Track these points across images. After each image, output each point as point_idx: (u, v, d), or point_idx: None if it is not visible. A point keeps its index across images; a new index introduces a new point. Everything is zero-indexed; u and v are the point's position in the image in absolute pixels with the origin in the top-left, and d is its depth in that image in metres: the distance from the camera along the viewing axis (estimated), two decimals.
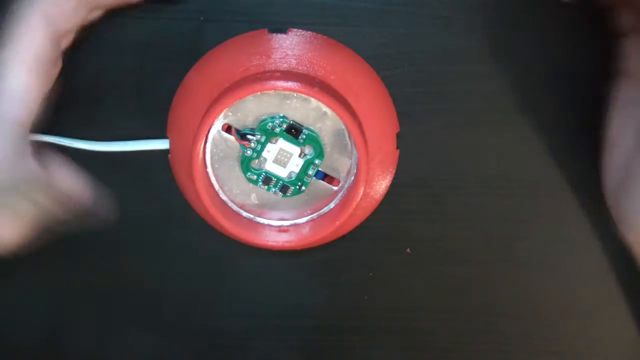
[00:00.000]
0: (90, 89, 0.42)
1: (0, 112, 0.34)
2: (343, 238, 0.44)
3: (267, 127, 0.40)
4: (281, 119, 0.40)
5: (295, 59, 0.40)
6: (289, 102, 0.39)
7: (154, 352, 0.48)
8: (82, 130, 0.42)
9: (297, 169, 0.41)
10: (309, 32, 0.41)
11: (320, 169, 0.41)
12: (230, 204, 0.42)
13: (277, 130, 0.40)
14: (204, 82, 0.40)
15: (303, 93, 0.38)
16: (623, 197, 0.37)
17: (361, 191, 0.39)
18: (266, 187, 0.41)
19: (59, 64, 0.37)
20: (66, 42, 0.37)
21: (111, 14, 0.40)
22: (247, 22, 0.41)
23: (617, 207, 0.38)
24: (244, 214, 0.42)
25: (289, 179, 0.41)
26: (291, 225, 0.42)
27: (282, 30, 0.40)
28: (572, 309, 0.46)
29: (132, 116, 0.43)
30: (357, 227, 0.44)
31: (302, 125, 0.40)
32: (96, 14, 0.38)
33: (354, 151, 0.40)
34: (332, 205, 0.42)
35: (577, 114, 0.43)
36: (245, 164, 0.41)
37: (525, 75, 0.42)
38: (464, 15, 0.41)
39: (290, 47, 0.40)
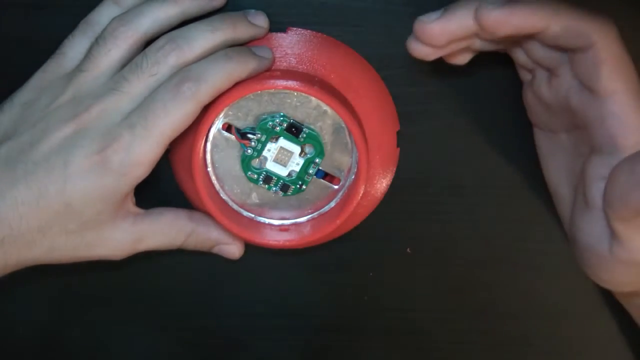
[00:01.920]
0: None
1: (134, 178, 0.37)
2: (343, 238, 0.44)
3: (268, 126, 0.40)
4: (281, 118, 0.40)
5: (295, 58, 0.40)
6: (289, 101, 0.39)
7: (154, 352, 0.48)
8: None
9: (297, 168, 0.41)
10: (308, 31, 0.41)
11: (320, 167, 0.41)
12: (231, 203, 0.42)
13: (278, 129, 0.40)
14: None
15: (303, 92, 0.38)
16: (574, 245, 0.37)
17: (362, 190, 0.39)
18: (267, 186, 0.41)
19: None
20: None
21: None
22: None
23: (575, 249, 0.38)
24: (245, 213, 0.42)
25: (290, 178, 0.41)
26: (292, 224, 0.42)
27: (282, 29, 0.40)
28: (572, 309, 0.46)
29: None
30: (357, 227, 0.44)
31: (303, 124, 0.40)
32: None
33: (355, 150, 0.40)
34: (332, 204, 0.42)
35: None
36: (246, 163, 0.41)
37: None
38: None
39: (290, 46, 0.40)
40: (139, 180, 0.37)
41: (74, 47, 0.39)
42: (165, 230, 0.40)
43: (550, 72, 0.36)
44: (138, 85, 0.37)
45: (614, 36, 0.33)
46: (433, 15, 0.34)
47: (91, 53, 0.38)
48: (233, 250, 0.42)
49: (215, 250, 0.42)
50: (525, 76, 0.38)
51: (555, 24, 0.33)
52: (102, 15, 0.39)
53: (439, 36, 0.34)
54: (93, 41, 0.38)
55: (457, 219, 0.45)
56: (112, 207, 0.38)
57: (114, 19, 0.38)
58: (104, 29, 0.38)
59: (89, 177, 0.36)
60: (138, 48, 0.38)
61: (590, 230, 0.35)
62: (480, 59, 0.42)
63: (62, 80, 0.38)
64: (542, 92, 0.37)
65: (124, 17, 0.38)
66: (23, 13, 0.42)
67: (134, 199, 0.40)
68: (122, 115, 0.37)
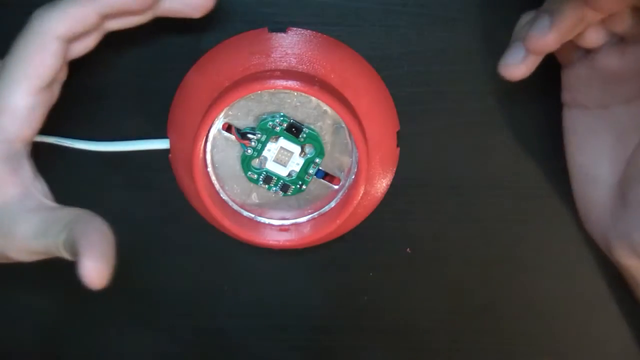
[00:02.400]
0: (90, 89, 0.42)
1: (1, 130, 0.33)
2: (343, 238, 0.44)
3: (268, 126, 0.40)
4: (281, 118, 0.40)
5: (295, 58, 0.40)
6: (289, 101, 0.39)
7: (154, 352, 0.48)
8: (82, 130, 0.42)
9: (297, 168, 0.41)
10: (308, 31, 0.41)
11: (320, 167, 0.41)
12: (231, 203, 0.42)
13: (278, 129, 0.40)
14: (204, 82, 0.40)
15: (303, 92, 0.38)
16: (622, 222, 0.37)
17: (362, 190, 0.39)
18: (267, 186, 0.41)
19: (65, 75, 0.37)
20: (75, 53, 0.36)
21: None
22: (247, 21, 0.41)
23: (616, 232, 0.38)
24: (245, 213, 0.42)
25: (290, 178, 0.41)
26: (292, 224, 0.42)
27: (282, 29, 0.40)
28: (572, 309, 0.46)
29: (132, 116, 0.43)
30: (357, 227, 0.44)
31: (303, 124, 0.40)
32: (114, 24, 0.36)
33: (355, 150, 0.40)
34: (332, 204, 0.42)
35: None
36: (246, 163, 0.41)
37: None
38: (465, 15, 0.41)
39: (290, 46, 0.40)
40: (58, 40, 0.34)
41: None
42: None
43: (628, 39, 0.36)
44: None
45: None
46: (545, 25, 0.34)
47: None
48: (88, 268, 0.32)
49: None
50: (570, 57, 0.38)
51: None
52: None
53: (556, 43, 0.34)
54: None
55: (457, 219, 0.45)
56: None
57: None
58: None
59: None
60: None
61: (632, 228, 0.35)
62: (481, 58, 0.42)
63: None
64: (612, 62, 0.36)
65: None
66: (23, 13, 0.42)
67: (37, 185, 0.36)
68: None
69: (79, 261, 0.31)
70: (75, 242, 0.31)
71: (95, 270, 0.31)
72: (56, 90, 0.36)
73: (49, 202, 0.35)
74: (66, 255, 0.33)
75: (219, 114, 0.38)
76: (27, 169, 0.35)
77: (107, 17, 0.35)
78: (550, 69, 0.42)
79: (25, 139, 0.35)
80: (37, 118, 0.34)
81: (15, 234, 0.34)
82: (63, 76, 0.37)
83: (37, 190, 0.35)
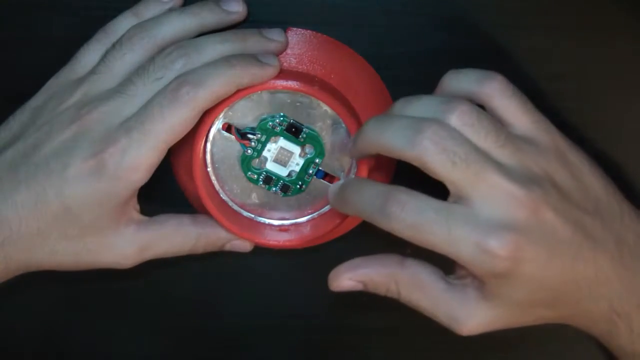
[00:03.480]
0: None
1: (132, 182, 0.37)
2: (343, 238, 0.44)
3: (268, 126, 0.40)
4: (281, 118, 0.40)
5: (295, 58, 0.40)
6: (289, 101, 0.39)
7: (154, 352, 0.48)
8: None
9: (297, 168, 0.41)
10: (308, 31, 0.41)
11: (320, 167, 0.41)
12: (231, 203, 0.42)
13: (278, 129, 0.40)
14: None
15: (303, 92, 0.38)
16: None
17: None
18: (267, 186, 0.41)
19: None
20: None
21: (109, 14, 0.40)
22: (247, 22, 0.41)
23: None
24: (245, 213, 0.42)
25: (290, 178, 0.41)
26: (292, 224, 0.42)
27: (282, 29, 0.40)
28: None
29: None
30: (357, 227, 0.44)
31: (303, 125, 0.40)
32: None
33: None
34: None
35: (578, 113, 0.43)
36: (246, 163, 0.41)
37: (525, 74, 0.42)
38: (464, 15, 0.41)
39: (290, 46, 0.40)
40: (137, 185, 0.37)
41: (89, 54, 0.39)
42: (170, 237, 0.40)
43: None
44: (143, 89, 0.37)
45: None
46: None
47: (106, 57, 0.38)
48: (245, 244, 0.42)
49: (228, 247, 0.42)
50: None
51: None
52: (120, 25, 0.40)
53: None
54: (109, 47, 0.39)
55: None
56: (111, 213, 0.37)
57: (132, 26, 0.39)
58: (122, 35, 0.38)
59: (86, 180, 0.36)
60: (153, 56, 0.38)
61: None
62: (481, 58, 0.42)
63: (73, 84, 0.38)
64: None
65: (143, 24, 0.38)
66: (23, 13, 0.42)
67: (137, 207, 0.39)
68: (123, 118, 0.36)
69: (232, 245, 0.42)
70: (217, 240, 0.41)
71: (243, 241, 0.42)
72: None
73: (140, 217, 0.40)
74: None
75: (219, 114, 0.38)
76: (133, 204, 0.39)
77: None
78: (550, 72, 0.42)
79: (134, 189, 0.38)
80: (147, 173, 0.37)
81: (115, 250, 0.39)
82: None
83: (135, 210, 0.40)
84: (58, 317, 0.47)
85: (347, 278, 0.39)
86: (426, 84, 0.42)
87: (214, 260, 0.45)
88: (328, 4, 0.41)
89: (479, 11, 0.41)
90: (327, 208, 0.42)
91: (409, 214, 0.34)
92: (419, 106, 0.35)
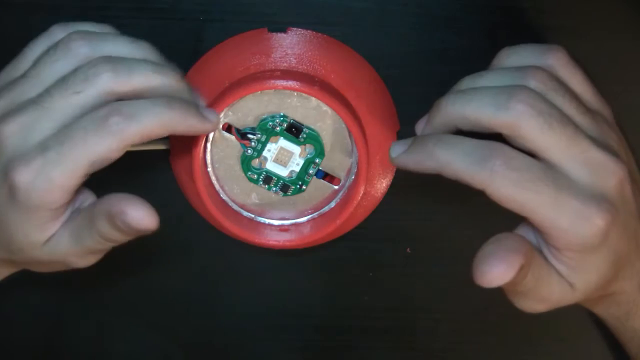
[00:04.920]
0: None
1: (33, 200, 0.33)
2: (343, 238, 0.44)
3: (268, 126, 0.40)
4: (281, 118, 0.40)
5: (295, 58, 0.40)
6: (289, 101, 0.39)
7: (153, 352, 0.48)
8: None
9: (297, 168, 0.41)
10: (308, 31, 0.41)
11: (320, 168, 0.41)
12: (231, 203, 0.42)
13: (278, 129, 0.40)
14: (204, 82, 0.40)
15: (303, 92, 0.38)
16: None
17: (362, 190, 0.39)
18: (267, 186, 0.41)
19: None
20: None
21: (109, 14, 0.40)
22: (247, 21, 0.41)
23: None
24: (245, 213, 0.42)
25: (290, 178, 0.41)
26: (292, 224, 0.42)
27: (282, 29, 0.40)
28: (572, 308, 0.46)
29: None
30: (357, 227, 0.44)
31: (303, 125, 0.40)
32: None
33: (355, 150, 0.40)
34: (332, 204, 0.42)
35: None
36: (246, 163, 0.41)
37: None
38: (464, 15, 0.41)
39: (290, 46, 0.40)
40: (53, 206, 0.33)
41: (35, 51, 0.36)
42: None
43: None
44: (60, 102, 0.33)
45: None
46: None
47: (38, 60, 0.35)
48: (145, 217, 0.33)
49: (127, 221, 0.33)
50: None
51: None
52: (82, 26, 0.36)
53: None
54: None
55: (457, 219, 0.45)
56: (32, 229, 0.34)
57: (75, 31, 0.35)
58: (61, 38, 0.35)
59: None
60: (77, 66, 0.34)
61: None
62: (481, 58, 0.42)
63: (6, 86, 0.35)
64: None
65: (88, 33, 0.35)
66: (23, 13, 0.42)
67: (76, 200, 0.36)
68: (40, 135, 0.33)
69: (123, 217, 0.32)
70: (110, 210, 0.33)
71: (142, 213, 0.33)
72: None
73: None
74: (113, 236, 0.34)
75: (219, 114, 0.38)
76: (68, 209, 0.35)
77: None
78: None
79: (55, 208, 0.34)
80: (69, 193, 0.34)
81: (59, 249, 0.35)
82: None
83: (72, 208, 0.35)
84: (58, 317, 0.47)
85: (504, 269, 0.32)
86: (426, 84, 0.42)
87: (214, 260, 0.45)
88: (328, 4, 0.41)
89: (479, 11, 0.41)
90: (327, 208, 0.42)
91: (515, 169, 0.32)
92: (495, 77, 0.34)
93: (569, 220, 0.32)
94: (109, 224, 0.33)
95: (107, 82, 0.33)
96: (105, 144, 0.32)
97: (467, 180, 0.33)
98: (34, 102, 0.33)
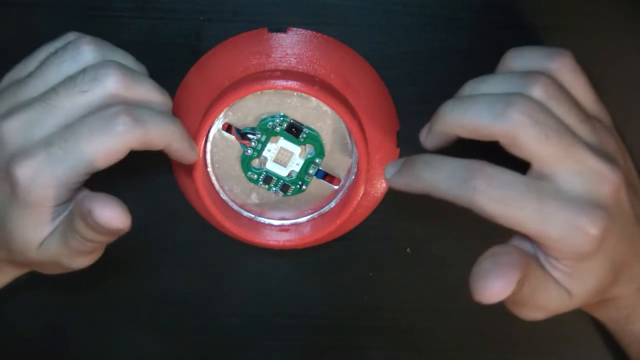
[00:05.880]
0: None
1: (33, 196, 0.33)
2: (343, 238, 0.44)
3: (268, 126, 0.40)
4: (281, 118, 0.40)
5: (295, 58, 0.40)
6: (289, 101, 0.39)
7: (153, 352, 0.48)
8: None
9: (297, 168, 0.41)
10: (308, 31, 0.41)
11: (320, 168, 0.41)
12: (231, 203, 0.42)
13: (278, 129, 0.40)
14: (204, 82, 0.41)
15: (303, 92, 0.38)
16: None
17: (362, 190, 0.39)
18: (267, 186, 0.41)
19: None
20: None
21: (109, 14, 0.40)
22: (247, 21, 0.41)
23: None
24: (245, 213, 0.42)
25: (290, 178, 0.41)
26: (292, 224, 0.42)
27: (282, 29, 0.40)
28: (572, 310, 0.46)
29: None
30: (357, 227, 0.44)
31: (303, 125, 0.40)
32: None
33: (355, 150, 0.40)
34: (332, 204, 0.42)
35: None
36: (246, 163, 0.41)
37: None
38: (464, 15, 0.41)
39: (290, 46, 0.40)
40: (52, 203, 0.33)
41: (45, 51, 0.37)
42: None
43: None
44: (66, 100, 0.33)
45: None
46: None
47: (45, 60, 0.35)
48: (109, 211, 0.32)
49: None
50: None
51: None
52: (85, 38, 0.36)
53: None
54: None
55: (457, 219, 0.45)
56: (31, 230, 0.34)
57: (87, 37, 0.35)
58: (72, 40, 0.35)
59: None
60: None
61: None
62: (481, 58, 0.42)
63: (13, 85, 0.36)
64: None
65: (99, 40, 0.36)
66: (23, 13, 0.42)
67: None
68: (44, 131, 0.33)
69: (92, 217, 0.32)
70: (82, 209, 0.32)
71: (111, 213, 0.32)
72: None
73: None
74: (90, 236, 0.33)
75: (219, 114, 0.38)
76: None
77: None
78: None
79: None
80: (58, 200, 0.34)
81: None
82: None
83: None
84: (58, 317, 0.47)
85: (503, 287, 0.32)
86: (426, 84, 0.42)
87: (214, 260, 0.45)
88: (328, 4, 0.41)
89: (479, 11, 0.41)
90: (327, 208, 0.42)
91: (496, 187, 0.32)
92: (497, 82, 0.34)
93: (559, 230, 0.32)
94: (83, 223, 0.33)
95: (116, 85, 0.33)
96: (109, 143, 0.32)
97: (453, 201, 0.33)
98: (39, 99, 0.34)
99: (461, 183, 0.33)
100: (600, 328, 0.46)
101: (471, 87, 0.35)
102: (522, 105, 0.32)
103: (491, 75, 0.35)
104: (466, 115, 0.33)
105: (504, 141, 0.33)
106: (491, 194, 0.32)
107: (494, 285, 0.32)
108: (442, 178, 0.34)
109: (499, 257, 0.33)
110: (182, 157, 0.36)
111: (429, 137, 0.36)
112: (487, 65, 0.40)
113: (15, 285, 0.40)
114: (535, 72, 0.34)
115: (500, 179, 0.32)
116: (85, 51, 0.35)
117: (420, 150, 0.43)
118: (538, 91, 0.33)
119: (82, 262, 0.36)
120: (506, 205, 0.32)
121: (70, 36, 0.36)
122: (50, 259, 0.35)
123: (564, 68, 0.35)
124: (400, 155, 0.43)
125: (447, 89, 0.42)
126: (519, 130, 0.32)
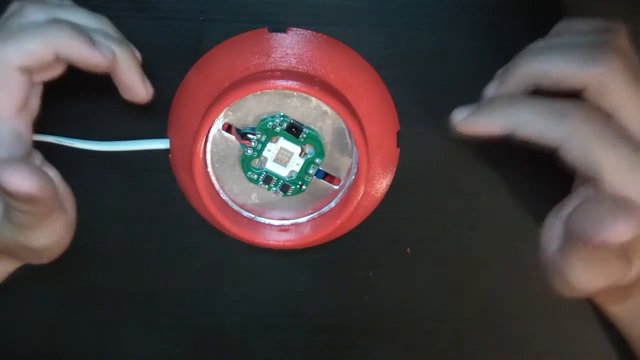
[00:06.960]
0: (90, 88, 0.42)
1: None
2: (343, 238, 0.44)
3: (268, 126, 0.40)
4: (281, 118, 0.40)
5: (295, 58, 0.40)
6: (289, 101, 0.39)
7: (153, 352, 0.48)
8: (82, 129, 0.42)
9: (297, 168, 0.41)
10: (308, 31, 0.41)
11: (320, 168, 0.41)
12: (231, 203, 0.42)
13: (278, 129, 0.40)
14: (204, 82, 0.41)
15: (303, 92, 0.38)
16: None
17: (362, 190, 0.39)
18: (267, 186, 0.41)
19: (39, 91, 0.37)
20: (48, 74, 0.36)
21: (109, 14, 0.40)
22: (247, 21, 0.41)
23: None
24: (245, 213, 0.42)
25: (290, 178, 0.41)
26: (292, 224, 0.42)
27: (282, 29, 0.40)
28: (572, 309, 0.46)
29: (132, 116, 0.43)
30: (357, 227, 0.44)
31: (303, 125, 0.40)
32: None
33: (355, 150, 0.40)
34: (332, 204, 0.42)
35: None
36: (246, 163, 0.41)
37: None
38: (464, 15, 0.41)
39: (290, 46, 0.40)
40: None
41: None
42: None
43: None
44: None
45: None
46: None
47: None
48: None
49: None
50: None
51: None
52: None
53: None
54: None
55: (457, 219, 0.45)
56: None
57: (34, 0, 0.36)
58: (15, 8, 0.36)
59: None
60: None
61: None
62: (481, 58, 0.42)
63: None
64: None
65: (45, 2, 0.36)
66: None
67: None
68: None
69: (2, 184, 0.31)
70: None
71: (18, 177, 0.31)
72: (34, 104, 0.36)
73: None
74: (10, 203, 0.33)
75: (219, 114, 0.38)
76: None
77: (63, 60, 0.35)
78: None
79: (16, 157, 0.34)
80: (23, 138, 0.35)
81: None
82: (39, 90, 0.37)
83: None
84: (58, 317, 0.47)
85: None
86: (426, 84, 0.42)
87: (214, 260, 0.45)
88: (328, 4, 0.41)
89: (479, 11, 0.41)
90: (327, 208, 0.42)
91: (595, 124, 0.30)
92: (572, 38, 0.33)
93: None
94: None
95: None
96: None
97: (542, 139, 0.31)
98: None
99: (557, 117, 0.31)
100: (601, 328, 0.46)
101: (546, 42, 0.34)
102: (617, 50, 0.31)
103: (559, 35, 0.34)
104: (554, 61, 0.32)
105: (593, 87, 0.31)
106: (588, 130, 0.30)
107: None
108: (534, 113, 0.32)
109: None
110: (85, 63, 0.35)
111: (501, 89, 0.34)
112: (487, 65, 0.40)
113: (14, 285, 0.40)
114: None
115: (599, 116, 0.31)
116: (29, 14, 0.35)
117: (423, 152, 0.43)
118: (620, 43, 0.32)
119: (37, 239, 0.35)
120: (600, 145, 0.30)
121: (15, 5, 0.36)
122: (7, 240, 0.35)
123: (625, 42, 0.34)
124: (400, 155, 0.43)
125: (447, 89, 0.42)
126: (612, 74, 0.31)
